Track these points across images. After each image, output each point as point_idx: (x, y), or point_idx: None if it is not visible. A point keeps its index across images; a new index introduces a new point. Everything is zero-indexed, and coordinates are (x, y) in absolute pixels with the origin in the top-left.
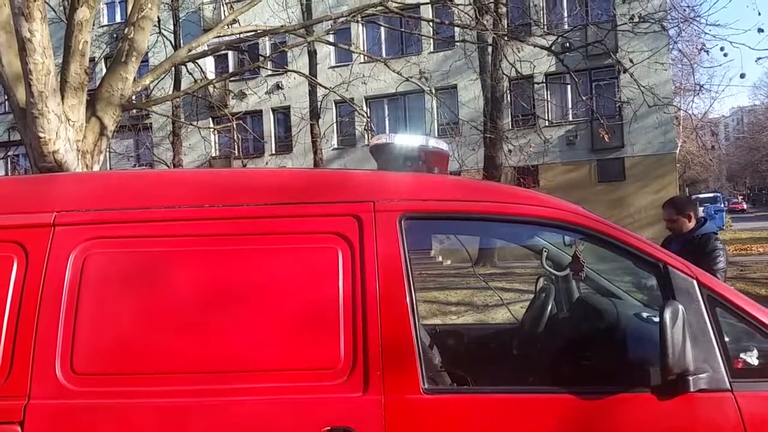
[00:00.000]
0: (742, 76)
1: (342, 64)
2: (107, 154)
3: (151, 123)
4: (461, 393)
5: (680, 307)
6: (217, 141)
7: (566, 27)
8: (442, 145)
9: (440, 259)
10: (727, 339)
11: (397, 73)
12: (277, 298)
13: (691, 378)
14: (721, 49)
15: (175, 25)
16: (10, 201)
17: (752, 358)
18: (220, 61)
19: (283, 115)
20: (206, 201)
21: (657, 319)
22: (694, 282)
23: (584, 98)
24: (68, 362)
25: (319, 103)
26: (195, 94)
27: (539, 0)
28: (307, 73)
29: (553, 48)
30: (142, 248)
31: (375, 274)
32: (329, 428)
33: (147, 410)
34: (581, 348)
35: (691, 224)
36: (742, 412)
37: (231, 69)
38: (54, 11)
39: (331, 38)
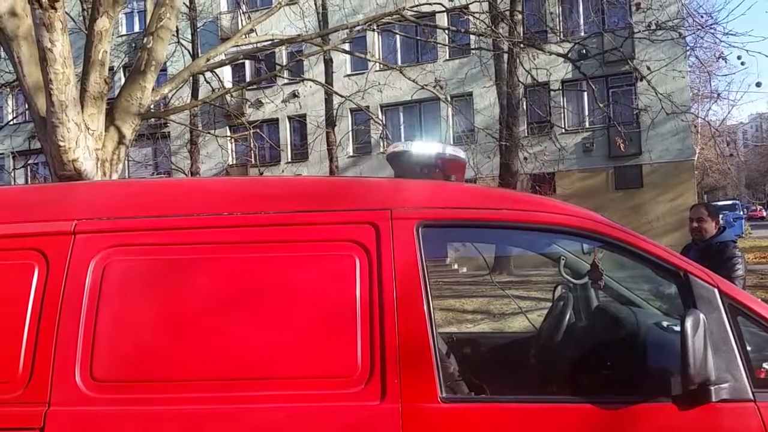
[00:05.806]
0: (758, 84)
1: (358, 72)
2: (126, 162)
3: (169, 131)
4: (479, 402)
5: (701, 316)
6: (234, 149)
7: (582, 34)
8: (460, 152)
9: (455, 266)
10: (749, 348)
11: (413, 80)
12: (294, 306)
13: (712, 388)
14: (738, 57)
15: (193, 35)
16: (30, 209)
17: None
18: (237, 70)
19: (299, 123)
20: (225, 209)
21: (677, 328)
22: (716, 291)
23: (601, 105)
24: (88, 369)
25: (334, 111)
26: (212, 103)
27: (555, 7)
28: (323, 81)
29: (569, 55)
30: (162, 256)
31: (392, 282)
32: None
33: (165, 417)
34: (600, 357)
35: (714, 231)
36: (765, 422)
37: (248, 78)
38: (74, 21)
39: (347, 47)
